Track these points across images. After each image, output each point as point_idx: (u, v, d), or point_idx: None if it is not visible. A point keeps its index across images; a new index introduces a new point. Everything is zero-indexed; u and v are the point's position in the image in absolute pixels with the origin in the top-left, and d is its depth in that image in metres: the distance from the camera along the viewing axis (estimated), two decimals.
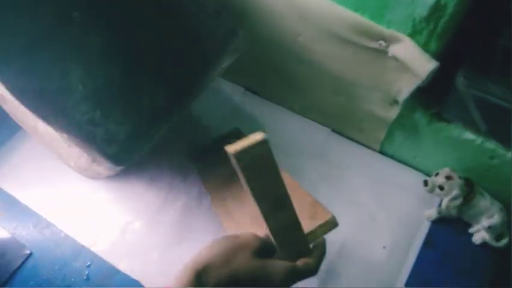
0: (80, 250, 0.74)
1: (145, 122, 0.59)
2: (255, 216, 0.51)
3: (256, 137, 0.41)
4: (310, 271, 0.47)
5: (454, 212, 0.70)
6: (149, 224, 0.76)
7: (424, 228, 0.72)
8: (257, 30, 0.76)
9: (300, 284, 0.66)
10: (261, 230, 0.47)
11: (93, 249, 0.74)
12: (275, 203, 0.44)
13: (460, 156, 0.70)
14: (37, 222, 0.78)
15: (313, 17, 0.65)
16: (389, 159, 0.82)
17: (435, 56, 0.58)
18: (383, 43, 0.60)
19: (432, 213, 0.72)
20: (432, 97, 0.67)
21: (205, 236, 0.74)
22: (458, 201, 0.67)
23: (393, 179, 0.79)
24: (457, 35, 0.59)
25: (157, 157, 0.84)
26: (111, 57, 0.54)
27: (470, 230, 0.70)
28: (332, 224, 0.54)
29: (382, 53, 0.61)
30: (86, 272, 0.72)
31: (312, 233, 0.51)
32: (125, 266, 0.72)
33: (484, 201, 0.67)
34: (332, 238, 0.72)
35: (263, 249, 0.45)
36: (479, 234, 0.69)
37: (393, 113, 0.71)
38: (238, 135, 0.84)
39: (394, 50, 0.59)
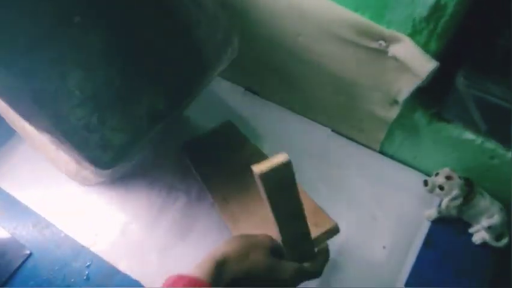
0: (80, 250, 0.74)
1: (143, 129, 0.58)
2: (261, 219, 0.60)
3: (280, 158, 0.43)
4: (315, 273, 0.51)
5: (453, 212, 0.70)
6: (149, 224, 0.76)
7: (424, 228, 0.72)
8: (257, 30, 0.76)
9: (300, 284, 0.66)
10: (268, 231, 0.50)
11: (93, 249, 0.74)
12: (291, 215, 0.47)
13: (460, 156, 0.70)
14: (37, 222, 0.78)
15: (313, 17, 0.65)
16: (389, 159, 0.82)
17: (435, 56, 0.58)
18: (383, 43, 0.60)
19: (432, 213, 0.72)
20: (432, 97, 0.67)
21: (205, 236, 0.74)
22: (458, 201, 0.67)
23: (393, 179, 0.79)
24: (457, 35, 0.59)
25: (157, 157, 0.84)
26: (110, 59, 0.54)
27: (470, 230, 0.70)
28: (334, 231, 0.58)
29: (382, 53, 0.61)
30: (86, 272, 0.72)
31: (316, 239, 0.54)
32: (125, 266, 0.72)
33: (483, 201, 0.67)
34: (332, 238, 0.72)
35: (275, 250, 0.48)
36: (479, 234, 0.69)
37: (393, 113, 0.71)
38: (230, 128, 0.85)
39: (394, 50, 0.59)
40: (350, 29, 0.62)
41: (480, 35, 0.59)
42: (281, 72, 0.83)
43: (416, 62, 0.58)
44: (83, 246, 0.75)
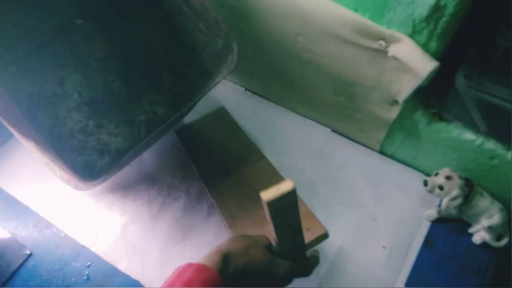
0: (80, 250, 0.74)
1: (141, 134, 0.59)
2: (256, 216, 0.65)
3: (286, 186, 0.46)
4: (305, 273, 0.57)
5: (453, 212, 0.70)
6: (149, 224, 0.76)
7: (424, 228, 0.72)
8: (257, 30, 0.76)
9: (300, 284, 0.66)
10: (263, 228, 0.55)
11: (93, 249, 0.74)
12: (290, 231, 0.52)
13: (459, 157, 0.70)
14: (37, 222, 0.78)
15: (313, 17, 0.65)
16: (389, 159, 0.82)
17: (436, 56, 0.58)
18: (383, 43, 0.60)
19: (432, 213, 0.72)
20: (432, 97, 0.67)
21: (204, 235, 0.74)
22: (458, 201, 0.67)
23: (393, 179, 0.79)
24: (457, 35, 0.59)
25: (157, 157, 0.84)
26: (111, 67, 0.55)
27: (470, 230, 0.70)
28: (324, 237, 0.64)
29: (382, 53, 0.61)
30: (86, 272, 0.72)
31: (307, 243, 0.60)
32: (125, 266, 0.72)
33: (483, 201, 0.67)
34: (332, 238, 0.72)
35: (270, 248, 0.54)
36: (479, 234, 0.69)
37: (393, 113, 0.71)
38: (223, 114, 0.87)
39: (394, 50, 0.59)
40: (350, 29, 0.62)
41: (480, 35, 0.59)
42: (281, 72, 0.83)
43: (416, 62, 0.58)
44: (83, 246, 0.75)
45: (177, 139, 0.82)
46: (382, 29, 0.59)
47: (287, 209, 0.48)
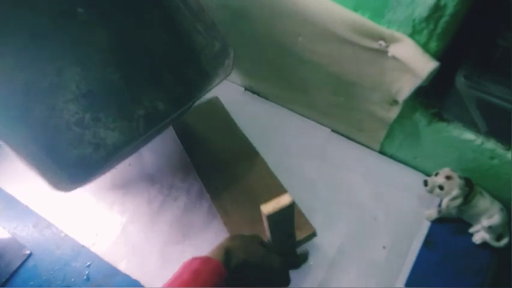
0: (80, 250, 0.74)
1: (139, 130, 0.58)
2: (250, 212, 0.68)
3: (285, 200, 0.51)
4: (296, 266, 0.63)
5: (454, 212, 0.70)
6: (149, 223, 0.76)
7: (424, 228, 0.72)
8: (257, 31, 0.76)
9: (300, 284, 0.66)
10: (257, 225, 0.59)
11: (93, 249, 0.74)
12: (285, 236, 0.58)
13: (459, 157, 0.70)
14: (37, 222, 0.78)
15: (313, 17, 0.65)
16: (389, 159, 0.82)
17: (435, 56, 0.58)
18: (383, 43, 0.60)
19: (432, 213, 0.72)
20: (432, 97, 0.67)
21: (204, 235, 0.74)
22: (458, 201, 0.67)
23: (393, 179, 0.79)
24: (457, 35, 0.59)
25: (157, 157, 0.84)
26: (111, 61, 0.54)
27: (470, 230, 0.70)
28: (312, 236, 0.68)
29: (382, 53, 0.61)
30: (86, 272, 0.72)
31: (297, 241, 0.64)
32: (125, 266, 0.72)
33: (484, 201, 0.67)
34: (332, 238, 0.73)
35: (265, 245, 0.59)
36: (479, 234, 0.69)
37: (393, 113, 0.70)
38: (216, 104, 0.89)
39: (394, 50, 0.59)
40: (350, 29, 0.62)
41: (480, 35, 0.59)
42: (281, 72, 0.83)
43: (416, 62, 0.58)
44: (83, 246, 0.75)
45: (177, 139, 0.83)
46: (382, 29, 0.59)
47: (284, 220, 0.53)
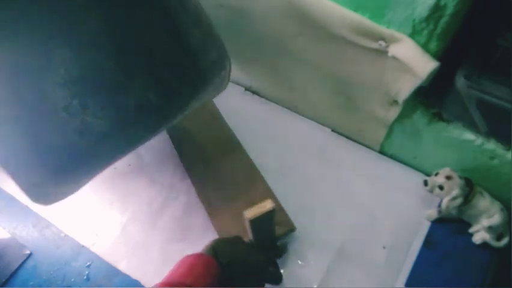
0: (80, 250, 0.74)
1: (129, 120, 0.56)
2: (235, 208, 0.72)
3: (267, 206, 0.56)
4: (277, 257, 0.69)
5: (454, 212, 0.70)
6: (149, 223, 0.76)
7: (424, 228, 0.72)
8: (257, 30, 0.76)
9: (300, 284, 0.66)
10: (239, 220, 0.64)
11: (93, 249, 0.74)
12: (266, 237, 0.63)
13: (460, 157, 0.70)
14: (37, 222, 0.78)
15: (313, 17, 0.64)
16: (389, 159, 0.82)
17: (435, 56, 0.58)
18: (383, 43, 0.60)
19: (432, 213, 0.72)
20: (432, 97, 0.67)
21: (204, 235, 0.74)
22: (458, 201, 0.67)
23: (393, 179, 0.79)
24: (457, 35, 0.59)
25: (157, 157, 0.84)
26: (104, 45, 0.52)
27: (470, 230, 0.70)
28: (292, 231, 0.72)
29: (382, 53, 0.61)
30: (86, 272, 0.72)
31: (278, 236, 0.69)
32: (125, 266, 0.72)
33: (484, 201, 0.67)
34: (332, 238, 0.73)
35: (247, 242, 0.63)
36: (479, 234, 0.69)
37: (393, 113, 0.70)
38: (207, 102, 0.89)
39: (394, 50, 0.59)
40: (350, 29, 0.62)
41: (480, 35, 0.59)
42: (281, 73, 0.83)
43: (416, 62, 0.58)
44: (83, 246, 0.75)
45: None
46: (382, 29, 0.59)
47: (266, 223, 0.59)
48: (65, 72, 0.50)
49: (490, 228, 0.67)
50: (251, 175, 0.78)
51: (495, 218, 0.67)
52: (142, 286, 0.70)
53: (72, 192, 0.64)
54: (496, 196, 0.69)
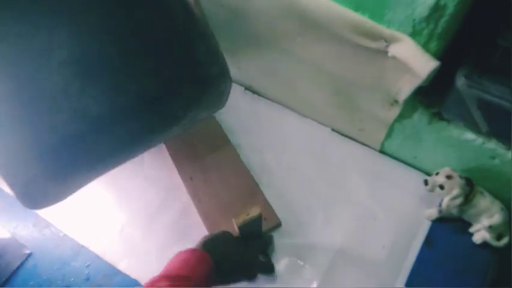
0: (80, 250, 0.74)
1: (128, 106, 0.56)
2: (222, 200, 0.76)
3: (255, 212, 0.61)
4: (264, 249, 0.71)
5: (454, 212, 0.69)
6: (149, 223, 0.76)
7: (424, 228, 0.72)
8: (257, 30, 0.76)
9: (300, 284, 0.66)
10: (228, 214, 0.71)
11: (93, 249, 0.74)
12: (254, 238, 0.68)
13: (460, 156, 0.70)
14: (37, 222, 0.78)
15: (313, 17, 0.64)
16: (389, 159, 0.82)
17: (436, 56, 0.58)
18: (383, 43, 0.60)
19: (432, 212, 0.72)
20: (432, 97, 0.67)
21: (203, 235, 0.74)
22: (458, 201, 0.67)
23: (394, 178, 0.79)
24: (457, 35, 0.59)
25: (157, 157, 0.84)
26: (109, 28, 0.52)
27: (471, 230, 0.70)
28: (278, 226, 0.74)
29: (382, 53, 0.61)
30: (86, 272, 0.72)
31: (264, 231, 0.71)
32: (125, 265, 0.72)
33: (484, 201, 0.67)
34: (332, 238, 0.73)
35: (238, 240, 0.67)
36: (480, 234, 0.69)
37: (393, 113, 0.70)
38: None
39: (394, 50, 0.59)
40: (350, 29, 0.61)
41: (480, 35, 0.59)
42: (281, 72, 0.83)
43: (416, 61, 0.58)
44: (82, 246, 0.75)
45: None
46: (382, 29, 0.59)
47: (253, 228, 0.64)
48: (67, 52, 0.49)
49: (490, 228, 0.67)
50: (238, 171, 0.80)
51: (495, 217, 0.67)
52: (142, 285, 0.70)
53: (70, 192, 0.63)
54: (496, 196, 0.69)
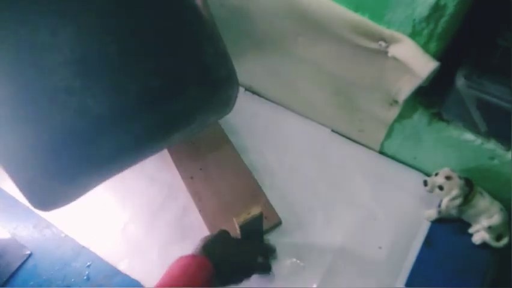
0: (80, 250, 0.74)
1: (129, 105, 0.56)
2: (223, 199, 0.76)
3: (255, 211, 0.60)
4: (265, 254, 0.71)
5: (453, 212, 0.70)
6: (149, 224, 0.76)
7: (424, 228, 0.72)
8: (257, 30, 0.76)
9: (300, 284, 0.66)
10: (228, 212, 0.72)
11: (93, 249, 0.74)
12: (254, 236, 0.67)
13: (459, 157, 0.70)
14: (37, 223, 0.78)
15: (313, 17, 0.64)
16: (389, 159, 0.82)
17: (436, 56, 0.58)
18: (383, 43, 0.60)
19: (432, 213, 0.72)
20: (432, 97, 0.67)
21: (203, 235, 0.74)
22: (458, 201, 0.67)
23: (393, 179, 0.79)
24: (457, 35, 0.59)
25: (157, 157, 0.84)
26: (111, 27, 0.52)
27: (470, 230, 0.70)
28: (278, 225, 0.74)
29: (382, 53, 0.61)
30: (86, 272, 0.72)
31: (265, 230, 0.71)
32: (125, 266, 0.72)
33: (483, 201, 0.67)
34: (332, 238, 0.73)
35: (237, 240, 0.66)
36: (479, 234, 0.69)
37: (393, 113, 0.70)
38: None
39: (394, 50, 0.59)
40: (350, 29, 0.62)
41: (480, 35, 0.59)
42: (281, 72, 0.83)
43: (416, 62, 0.58)
44: (83, 246, 0.75)
45: None
46: (382, 29, 0.59)
47: (254, 226, 0.63)
48: (69, 51, 0.49)
49: (489, 228, 0.67)
50: (239, 170, 0.80)
51: (495, 218, 0.67)
52: (142, 286, 0.70)
53: (79, 193, 0.63)
54: (495, 196, 0.69)
